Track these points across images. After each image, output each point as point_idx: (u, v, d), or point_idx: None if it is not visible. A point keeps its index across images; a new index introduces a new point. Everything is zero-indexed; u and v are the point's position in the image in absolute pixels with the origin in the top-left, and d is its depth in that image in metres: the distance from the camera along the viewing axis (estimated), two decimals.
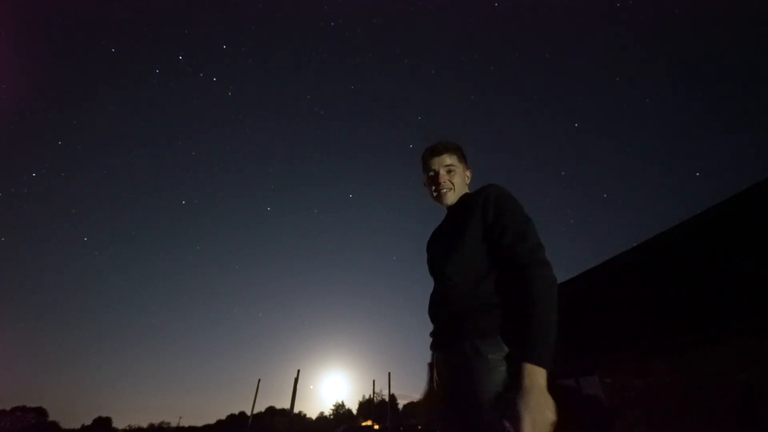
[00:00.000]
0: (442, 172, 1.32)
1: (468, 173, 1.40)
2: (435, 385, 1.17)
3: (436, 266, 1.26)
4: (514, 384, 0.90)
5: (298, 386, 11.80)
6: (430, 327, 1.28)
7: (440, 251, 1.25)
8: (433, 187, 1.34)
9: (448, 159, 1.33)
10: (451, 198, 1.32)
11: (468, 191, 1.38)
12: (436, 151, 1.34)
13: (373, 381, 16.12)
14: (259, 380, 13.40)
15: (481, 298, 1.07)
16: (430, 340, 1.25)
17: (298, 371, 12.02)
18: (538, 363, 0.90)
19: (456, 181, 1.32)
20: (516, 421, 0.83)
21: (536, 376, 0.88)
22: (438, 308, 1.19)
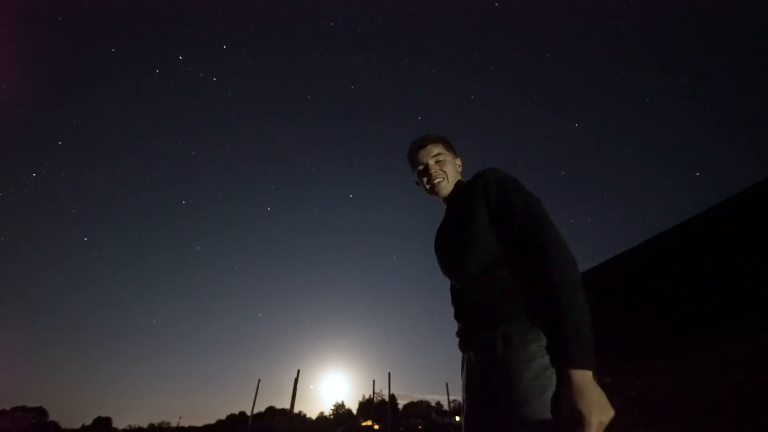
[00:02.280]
0: (431, 163, 1.25)
1: (458, 161, 1.33)
2: (468, 387, 1.10)
3: (449, 262, 1.19)
4: (565, 390, 0.83)
5: (298, 386, 11.77)
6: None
7: (451, 245, 1.19)
8: (425, 180, 1.26)
9: (435, 149, 1.26)
10: (446, 188, 1.26)
11: (461, 179, 1.32)
12: (421, 143, 1.28)
13: (373, 381, 16.05)
14: (259, 380, 13.33)
15: (502, 283, 1.02)
16: (452, 342, 1.20)
17: (298, 371, 11.98)
18: (582, 366, 0.84)
19: (447, 170, 1.26)
20: (582, 425, 0.77)
21: (584, 378, 0.83)
22: (460, 304, 1.13)
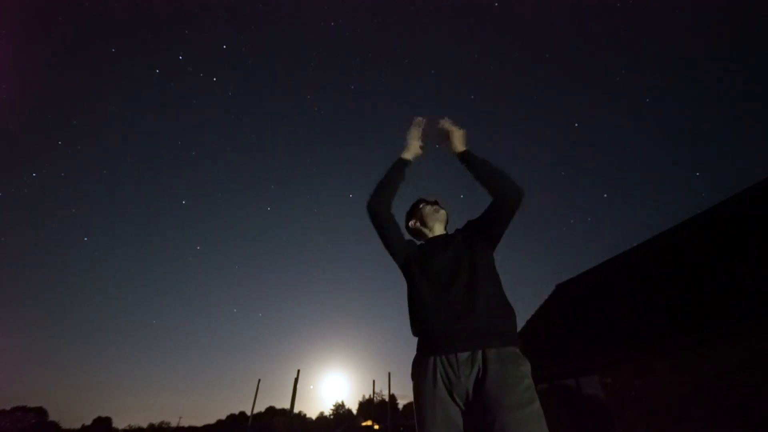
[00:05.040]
0: (433, 205, 1.69)
1: (444, 213, 1.69)
2: (442, 386, 1.16)
3: (453, 271, 1.33)
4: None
5: (298, 386, 11.77)
6: None
7: (455, 264, 1.35)
8: (420, 215, 1.67)
9: (433, 205, 1.69)
10: (440, 217, 1.65)
11: (445, 227, 1.68)
12: (422, 197, 1.75)
13: (373, 381, 16.06)
14: (259, 380, 13.34)
15: (501, 307, 1.25)
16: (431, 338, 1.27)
17: (298, 371, 11.97)
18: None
19: (440, 209, 1.66)
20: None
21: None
22: (460, 310, 1.23)
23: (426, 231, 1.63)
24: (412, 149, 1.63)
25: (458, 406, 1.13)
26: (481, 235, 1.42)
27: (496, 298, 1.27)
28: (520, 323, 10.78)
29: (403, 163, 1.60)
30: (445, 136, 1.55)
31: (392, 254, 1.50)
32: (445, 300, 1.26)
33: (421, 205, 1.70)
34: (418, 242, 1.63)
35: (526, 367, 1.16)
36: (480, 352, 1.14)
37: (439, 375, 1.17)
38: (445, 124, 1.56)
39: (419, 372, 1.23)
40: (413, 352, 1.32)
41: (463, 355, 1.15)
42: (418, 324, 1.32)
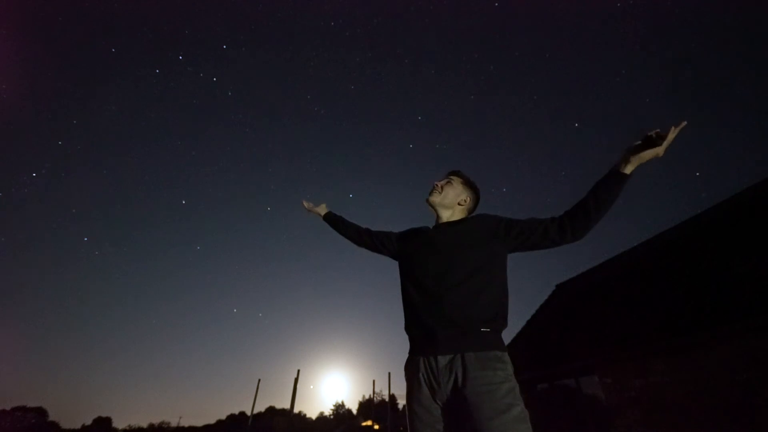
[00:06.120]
0: (442, 182, 1.52)
1: (465, 197, 1.50)
2: (428, 389, 1.16)
3: (443, 269, 1.25)
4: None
5: (298, 386, 11.77)
6: None
7: (450, 256, 1.27)
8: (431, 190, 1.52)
9: (448, 177, 1.54)
10: (439, 202, 1.47)
11: (460, 210, 1.49)
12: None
13: (373, 381, 16.05)
14: (259, 380, 13.34)
15: (486, 306, 1.18)
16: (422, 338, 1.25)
17: (298, 371, 11.97)
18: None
19: (447, 189, 1.49)
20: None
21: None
22: (437, 311, 1.19)
23: (437, 217, 1.49)
24: (320, 210, 1.89)
25: (441, 409, 1.14)
26: (508, 238, 1.29)
27: (486, 298, 1.18)
28: (520, 323, 10.82)
29: (328, 218, 1.85)
30: (655, 141, 1.18)
31: (392, 257, 1.58)
32: (430, 297, 1.22)
33: None
34: (418, 227, 1.51)
35: (506, 371, 1.10)
36: (459, 357, 1.11)
37: (422, 378, 1.17)
38: (675, 133, 1.19)
39: (409, 373, 1.24)
40: None
41: (443, 360, 1.14)
42: (406, 321, 1.33)
